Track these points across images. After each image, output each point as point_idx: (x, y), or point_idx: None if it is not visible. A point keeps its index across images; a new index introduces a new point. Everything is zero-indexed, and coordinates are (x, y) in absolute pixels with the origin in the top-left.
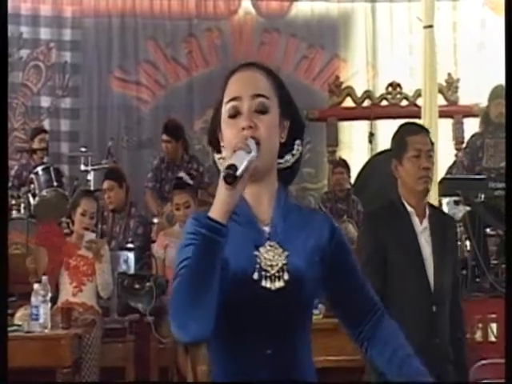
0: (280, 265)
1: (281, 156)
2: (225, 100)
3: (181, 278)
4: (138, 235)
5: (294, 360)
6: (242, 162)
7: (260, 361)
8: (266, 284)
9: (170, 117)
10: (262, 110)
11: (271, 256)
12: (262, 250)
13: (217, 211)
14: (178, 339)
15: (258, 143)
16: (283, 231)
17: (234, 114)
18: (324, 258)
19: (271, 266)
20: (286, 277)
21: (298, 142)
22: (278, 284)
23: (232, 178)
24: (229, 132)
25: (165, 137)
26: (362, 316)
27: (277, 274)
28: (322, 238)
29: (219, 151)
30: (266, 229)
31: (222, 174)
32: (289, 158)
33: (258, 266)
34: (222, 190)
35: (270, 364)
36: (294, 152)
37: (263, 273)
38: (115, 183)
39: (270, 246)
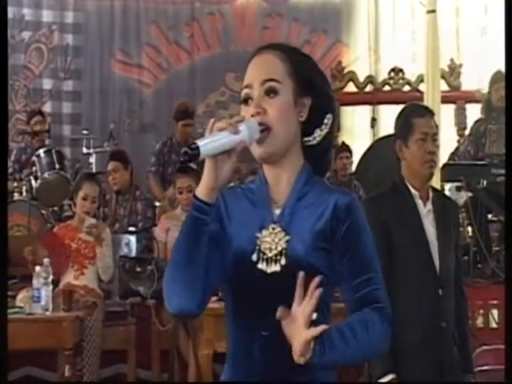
0: (279, 249)
1: (309, 133)
2: (243, 86)
3: (170, 255)
4: (148, 218)
5: (289, 344)
6: (215, 142)
7: (255, 341)
8: (262, 266)
9: (173, 101)
10: (271, 94)
11: (271, 239)
12: (264, 232)
13: (200, 189)
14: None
15: (267, 128)
16: (292, 214)
17: (246, 101)
18: (335, 240)
19: (270, 249)
20: (283, 261)
21: (328, 115)
22: (274, 268)
23: (188, 156)
24: (238, 116)
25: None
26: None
27: (274, 258)
28: (332, 222)
29: None
30: (277, 211)
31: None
32: (317, 134)
33: (257, 247)
34: (205, 167)
35: (265, 346)
36: (322, 127)
37: (261, 255)
38: (120, 164)
39: (273, 228)
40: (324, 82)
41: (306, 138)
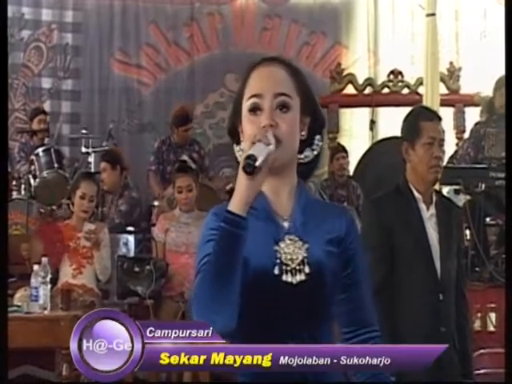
0: (300, 258)
1: (300, 151)
2: (247, 95)
3: (203, 274)
4: (121, 211)
5: None
6: (260, 154)
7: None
8: (288, 278)
9: (172, 101)
10: (284, 109)
11: (291, 250)
12: (281, 244)
13: (236, 204)
14: None
15: (279, 141)
16: (302, 225)
17: (255, 110)
18: (342, 252)
19: (291, 259)
20: (306, 270)
21: (318, 137)
22: (299, 277)
23: (251, 167)
24: (249, 127)
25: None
26: (348, 325)
27: (297, 268)
28: (341, 231)
29: (238, 143)
30: (285, 223)
31: (241, 165)
32: (309, 154)
33: (278, 260)
34: (241, 181)
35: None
36: (313, 147)
37: (284, 267)
38: (108, 165)
39: (290, 239)
40: (318, 103)
41: (299, 156)
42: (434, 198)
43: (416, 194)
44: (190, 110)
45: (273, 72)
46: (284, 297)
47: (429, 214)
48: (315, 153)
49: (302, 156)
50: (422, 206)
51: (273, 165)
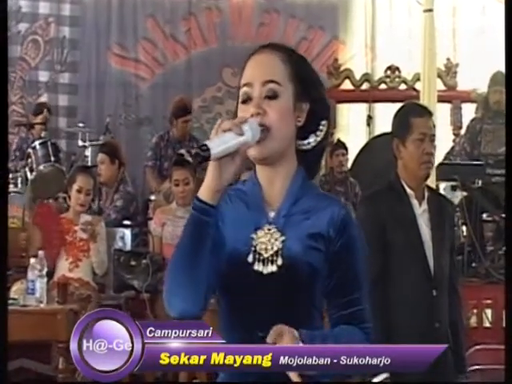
0: (275, 249)
1: (304, 137)
2: (241, 84)
3: (171, 257)
4: (116, 206)
5: None
6: (223, 144)
7: (252, 343)
8: (259, 267)
9: (169, 96)
10: (272, 96)
11: (267, 239)
12: (259, 233)
13: (204, 191)
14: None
15: (266, 129)
16: (286, 216)
17: (246, 100)
18: (329, 250)
19: (265, 249)
20: (279, 262)
21: (323, 122)
22: (271, 268)
23: (200, 157)
24: (240, 117)
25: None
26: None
27: (270, 258)
28: (328, 229)
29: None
30: (272, 213)
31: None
32: (312, 140)
33: (252, 248)
34: (209, 169)
35: None
36: (317, 133)
37: (257, 256)
38: (107, 158)
39: (268, 229)
40: (321, 88)
41: (300, 142)
42: (426, 194)
43: (408, 190)
44: (189, 101)
45: (264, 59)
46: (254, 285)
47: (421, 210)
48: (319, 139)
49: (304, 142)
50: (415, 202)
51: (260, 154)
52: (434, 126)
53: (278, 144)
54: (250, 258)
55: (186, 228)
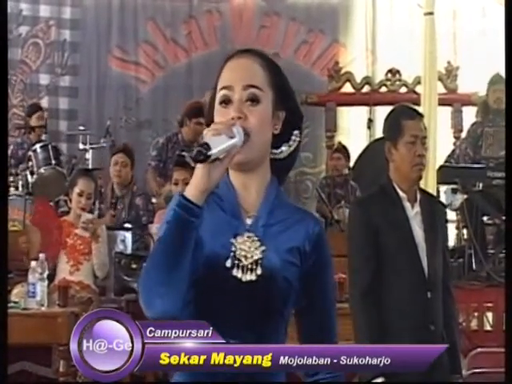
0: (255, 258)
1: (277, 146)
2: (218, 86)
3: (151, 255)
4: (149, 211)
5: None
6: (219, 145)
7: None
8: (238, 274)
9: (170, 99)
10: (253, 101)
11: (247, 247)
12: (239, 239)
13: (191, 190)
14: (145, 314)
15: (247, 134)
16: (265, 226)
17: (225, 103)
18: (304, 265)
19: (245, 256)
20: (258, 271)
21: (295, 132)
22: (250, 276)
23: (203, 156)
24: (219, 119)
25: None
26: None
27: (250, 267)
28: (304, 244)
29: None
30: (249, 220)
31: (193, 151)
32: (285, 149)
33: (232, 253)
34: (197, 169)
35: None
36: (290, 143)
37: (236, 262)
38: (129, 161)
39: (248, 237)
40: (295, 98)
41: (273, 151)
42: (419, 196)
43: (400, 192)
44: (203, 105)
45: (244, 64)
46: (231, 291)
47: (414, 213)
48: (291, 149)
49: (277, 151)
50: (407, 205)
51: (239, 159)
52: (425, 128)
53: (256, 150)
54: (229, 263)
55: (168, 225)
